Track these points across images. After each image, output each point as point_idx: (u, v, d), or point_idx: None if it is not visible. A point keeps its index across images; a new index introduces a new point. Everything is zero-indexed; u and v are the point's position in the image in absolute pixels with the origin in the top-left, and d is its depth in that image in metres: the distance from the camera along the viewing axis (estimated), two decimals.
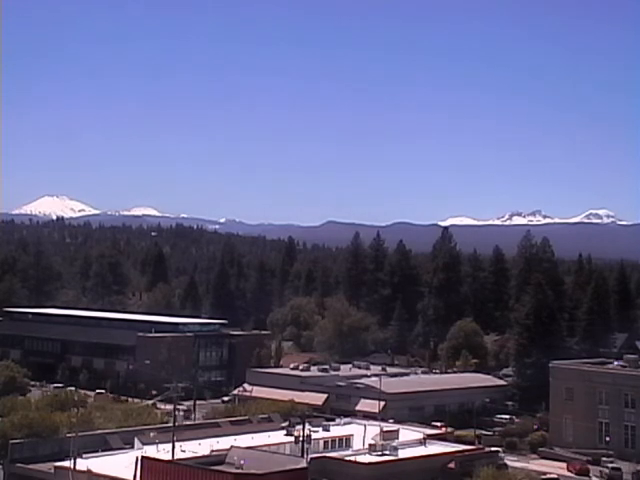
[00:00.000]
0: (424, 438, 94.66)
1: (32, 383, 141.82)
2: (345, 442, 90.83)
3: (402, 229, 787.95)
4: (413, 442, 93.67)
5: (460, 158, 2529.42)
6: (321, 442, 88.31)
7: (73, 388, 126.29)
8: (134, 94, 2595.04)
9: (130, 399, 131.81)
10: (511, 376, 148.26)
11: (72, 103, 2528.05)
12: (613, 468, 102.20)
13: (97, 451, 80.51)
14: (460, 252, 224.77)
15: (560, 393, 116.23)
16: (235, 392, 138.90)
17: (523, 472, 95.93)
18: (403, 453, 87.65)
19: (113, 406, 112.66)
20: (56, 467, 75.75)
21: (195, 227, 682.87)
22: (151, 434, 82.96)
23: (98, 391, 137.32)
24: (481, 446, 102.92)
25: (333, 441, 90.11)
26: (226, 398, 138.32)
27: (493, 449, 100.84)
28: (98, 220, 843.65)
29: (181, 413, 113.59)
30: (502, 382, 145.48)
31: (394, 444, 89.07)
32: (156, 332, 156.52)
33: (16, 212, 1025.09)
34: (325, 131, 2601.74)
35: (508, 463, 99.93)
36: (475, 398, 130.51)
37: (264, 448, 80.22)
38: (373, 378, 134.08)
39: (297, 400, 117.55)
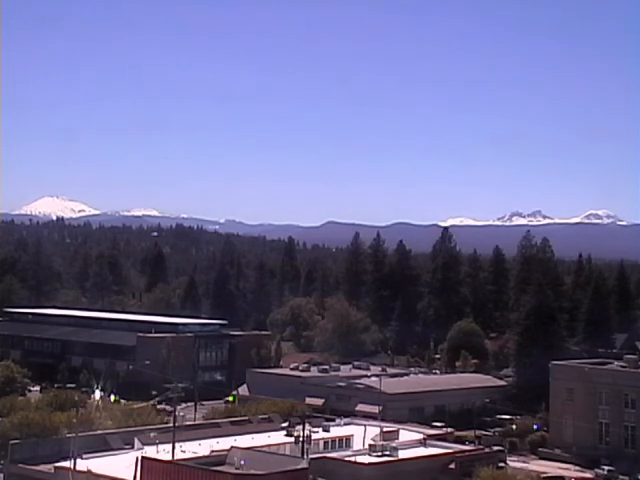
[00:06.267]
0: (424, 438, 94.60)
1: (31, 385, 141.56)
2: (345, 442, 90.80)
3: (402, 229, 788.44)
4: (413, 442, 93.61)
5: (460, 158, 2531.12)
6: (321, 442, 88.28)
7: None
8: (134, 94, 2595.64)
9: (130, 400, 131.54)
10: (511, 376, 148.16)
11: (72, 103, 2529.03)
12: (609, 470, 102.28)
13: (97, 451, 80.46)
14: (460, 252, 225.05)
15: (560, 393, 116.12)
16: (234, 393, 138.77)
17: (523, 472, 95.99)
18: (403, 453, 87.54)
19: (113, 406, 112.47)
20: (56, 467, 75.59)
21: (195, 227, 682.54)
22: (151, 434, 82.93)
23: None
24: (481, 446, 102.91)
25: (333, 441, 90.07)
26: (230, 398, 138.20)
27: (498, 448, 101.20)
28: (98, 220, 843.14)
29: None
30: (502, 382, 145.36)
31: (394, 444, 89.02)
32: (156, 332, 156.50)
33: (16, 212, 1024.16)
34: (325, 131, 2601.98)
35: (509, 463, 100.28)
36: (475, 398, 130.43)
37: (264, 448, 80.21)
38: (373, 378, 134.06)
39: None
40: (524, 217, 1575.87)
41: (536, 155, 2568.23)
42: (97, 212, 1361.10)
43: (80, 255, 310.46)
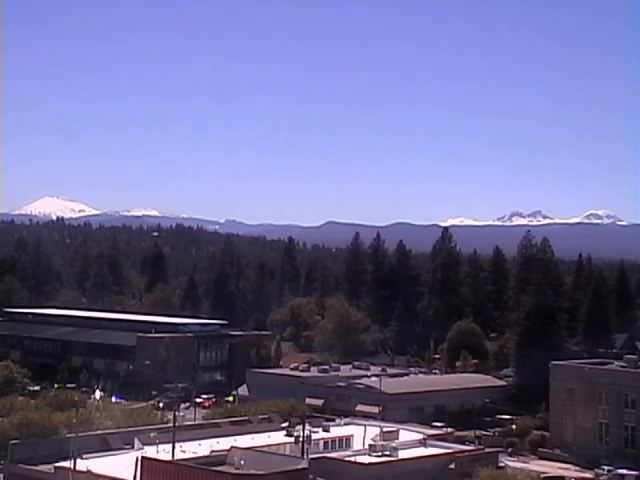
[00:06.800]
0: (424, 439, 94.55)
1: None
2: (345, 442, 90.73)
3: (402, 229, 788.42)
4: (413, 443, 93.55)
5: (460, 158, 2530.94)
6: (321, 442, 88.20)
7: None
8: (135, 94, 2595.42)
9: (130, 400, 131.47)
10: (511, 376, 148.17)
11: (72, 103, 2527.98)
12: (609, 470, 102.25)
13: (97, 451, 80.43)
14: (460, 252, 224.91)
15: (560, 393, 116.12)
16: (234, 393, 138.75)
17: (523, 472, 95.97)
18: (403, 454, 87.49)
19: (113, 406, 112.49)
20: (56, 467, 75.58)
21: (195, 227, 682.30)
22: (151, 434, 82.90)
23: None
24: (481, 446, 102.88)
25: (333, 441, 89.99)
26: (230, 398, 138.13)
27: (496, 449, 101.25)
28: (98, 220, 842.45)
29: None
30: (502, 382, 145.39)
31: (394, 444, 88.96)
32: (156, 332, 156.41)
33: (16, 212, 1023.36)
34: (325, 131, 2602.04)
35: (508, 463, 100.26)
36: (475, 398, 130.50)
37: (264, 448, 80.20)
38: (373, 378, 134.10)
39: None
40: (524, 217, 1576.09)
41: (536, 155, 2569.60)
42: (97, 212, 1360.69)
43: (80, 255, 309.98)
